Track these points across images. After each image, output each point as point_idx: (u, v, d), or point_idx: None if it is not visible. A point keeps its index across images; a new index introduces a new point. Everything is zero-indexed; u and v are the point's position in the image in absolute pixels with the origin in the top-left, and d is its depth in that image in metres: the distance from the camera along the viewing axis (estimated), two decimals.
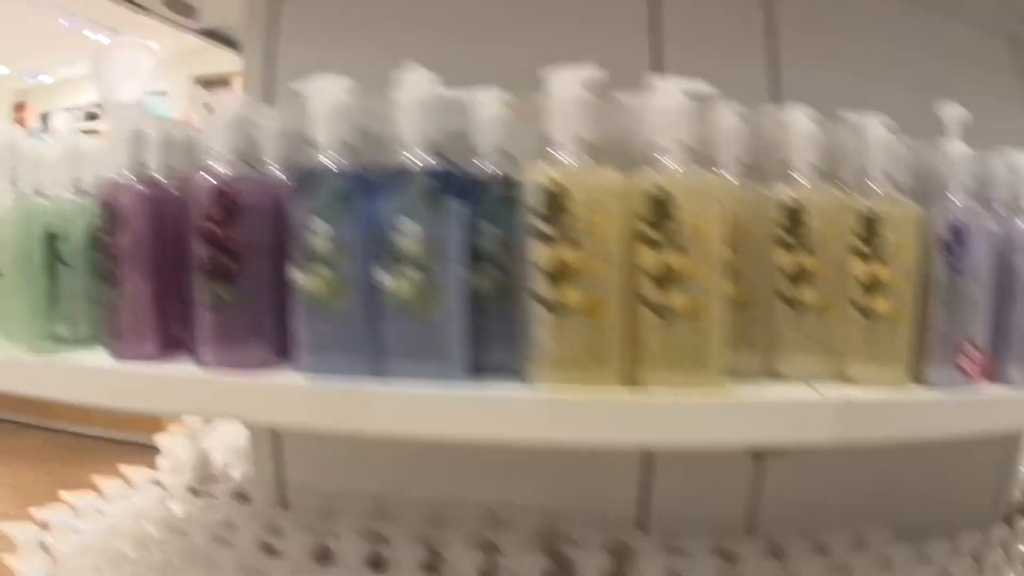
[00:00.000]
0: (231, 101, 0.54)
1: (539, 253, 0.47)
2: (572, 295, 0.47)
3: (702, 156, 0.49)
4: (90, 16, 3.44)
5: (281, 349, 0.53)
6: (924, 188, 0.50)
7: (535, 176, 0.47)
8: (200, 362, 0.53)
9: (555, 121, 0.48)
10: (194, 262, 0.52)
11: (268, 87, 0.87)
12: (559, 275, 0.47)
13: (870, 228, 0.48)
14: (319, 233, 0.49)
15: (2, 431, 2.97)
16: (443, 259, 0.48)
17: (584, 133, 0.47)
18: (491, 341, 0.50)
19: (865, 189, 0.50)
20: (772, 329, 0.51)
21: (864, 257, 0.48)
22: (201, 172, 0.53)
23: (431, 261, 0.48)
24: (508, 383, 0.49)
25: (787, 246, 0.50)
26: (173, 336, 0.57)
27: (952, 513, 0.80)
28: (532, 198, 0.47)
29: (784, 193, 0.50)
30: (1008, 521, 0.82)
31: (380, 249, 0.49)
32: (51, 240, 0.63)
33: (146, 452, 1.10)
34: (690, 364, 0.47)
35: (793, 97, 0.54)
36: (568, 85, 0.47)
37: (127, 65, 3.61)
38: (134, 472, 1.00)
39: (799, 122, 0.52)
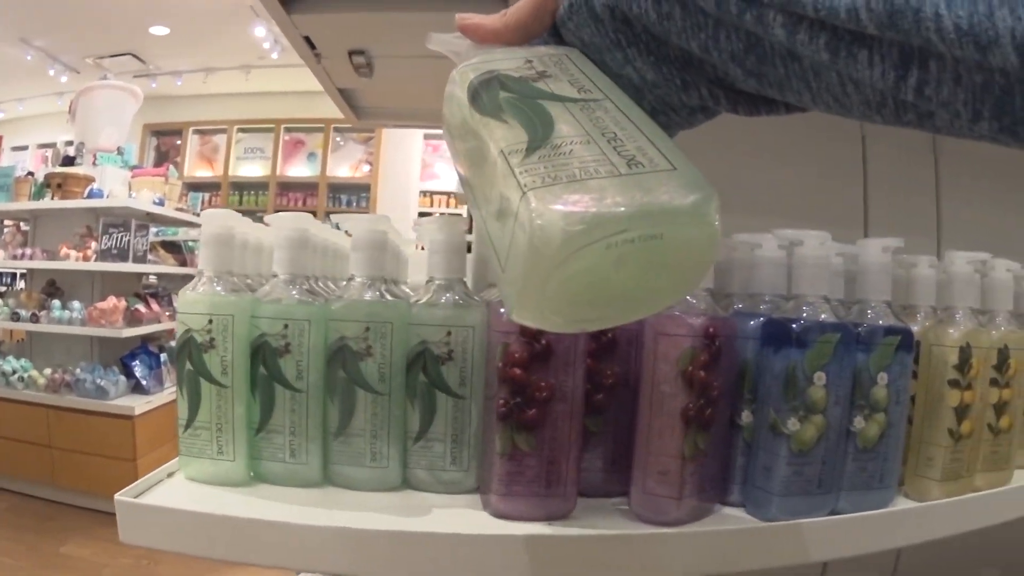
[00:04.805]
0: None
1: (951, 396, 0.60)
2: (967, 426, 0.61)
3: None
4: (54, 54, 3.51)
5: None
6: None
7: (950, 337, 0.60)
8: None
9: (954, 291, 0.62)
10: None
11: None
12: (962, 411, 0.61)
13: None
14: (816, 384, 0.54)
15: None
16: (899, 403, 0.58)
17: (973, 303, 0.62)
18: None
19: None
20: None
21: None
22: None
23: (891, 405, 0.58)
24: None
25: None
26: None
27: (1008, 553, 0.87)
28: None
29: None
30: None
31: (859, 397, 0.56)
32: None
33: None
34: (1004, 464, 0.66)
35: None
36: (961, 262, 0.62)
37: (111, 108, 3.24)
38: None
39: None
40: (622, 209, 0.28)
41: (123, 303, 3.07)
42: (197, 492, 0.56)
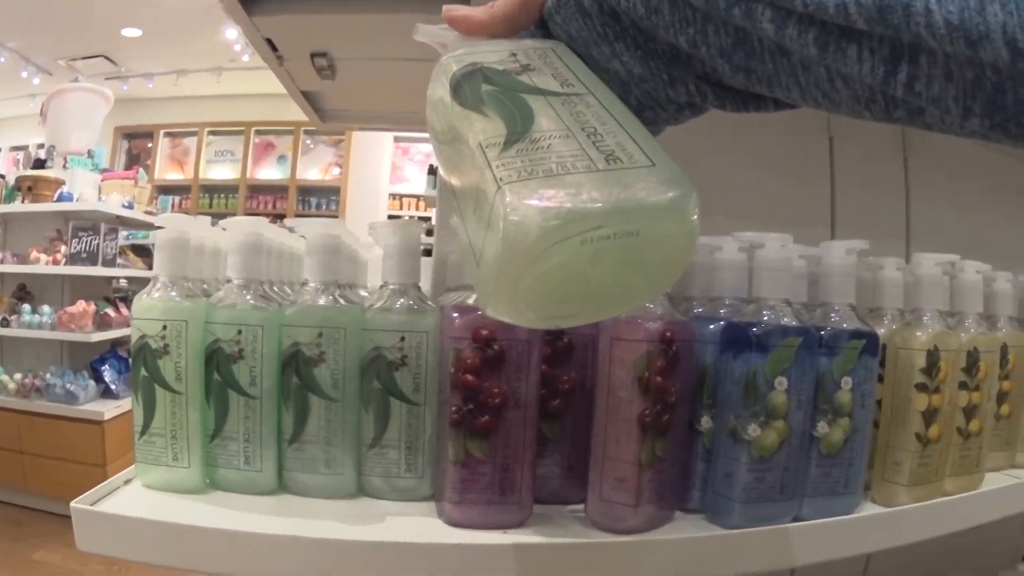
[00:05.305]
0: None
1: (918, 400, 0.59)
2: (935, 430, 0.60)
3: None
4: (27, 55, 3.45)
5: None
6: None
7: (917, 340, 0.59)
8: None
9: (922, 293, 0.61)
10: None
11: None
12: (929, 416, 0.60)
13: None
14: (777, 388, 0.53)
15: None
16: (864, 408, 0.57)
17: (941, 305, 0.61)
18: None
19: None
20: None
21: None
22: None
23: (856, 409, 0.57)
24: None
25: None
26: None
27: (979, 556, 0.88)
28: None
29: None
30: None
31: (822, 401, 0.55)
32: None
33: None
34: (973, 468, 0.65)
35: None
36: (929, 264, 0.61)
37: (82, 111, 3.19)
38: None
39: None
40: (598, 205, 0.28)
41: (92, 307, 3.04)
42: (152, 499, 0.56)
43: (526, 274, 0.29)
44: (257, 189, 5.38)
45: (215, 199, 5.38)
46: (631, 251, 0.29)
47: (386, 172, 5.32)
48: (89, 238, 3.00)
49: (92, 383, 3.09)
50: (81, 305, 3.01)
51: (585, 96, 0.34)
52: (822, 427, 0.56)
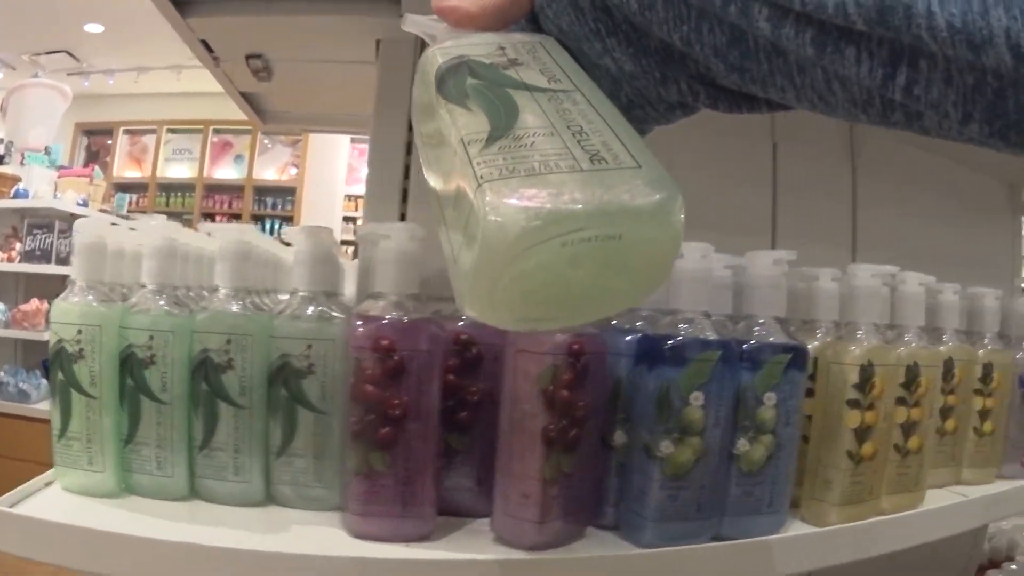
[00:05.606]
0: None
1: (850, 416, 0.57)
2: (868, 448, 0.58)
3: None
4: None
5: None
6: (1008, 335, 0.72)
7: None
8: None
9: (857, 306, 0.58)
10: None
11: None
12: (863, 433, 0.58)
13: (986, 373, 0.69)
14: (692, 404, 0.52)
15: None
16: (788, 425, 0.55)
17: (877, 318, 0.59)
18: None
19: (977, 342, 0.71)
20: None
21: (983, 394, 0.69)
22: None
23: (780, 426, 0.55)
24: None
25: (941, 390, 0.68)
26: None
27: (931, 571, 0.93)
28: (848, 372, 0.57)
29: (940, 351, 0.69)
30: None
31: (743, 418, 0.53)
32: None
33: None
34: (912, 486, 0.63)
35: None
36: (865, 275, 0.58)
37: (41, 107, 3.18)
38: None
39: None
40: (579, 206, 0.27)
41: (46, 305, 3.03)
42: (68, 503, 0.56)
43: (504, 275, 0.28)
44: (214, 188, 5.33)
45: (172, 198, 5.32)
46: (613, 254, 0.29)
47: (342, 173, 5.26)
48: (44, 236, 2.99)
49: (44, 382, 3.08)
50: (35, 303, 2.99)
51: (572, 93, 0.33)
52: (742, 444, 0.54)
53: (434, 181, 0.35)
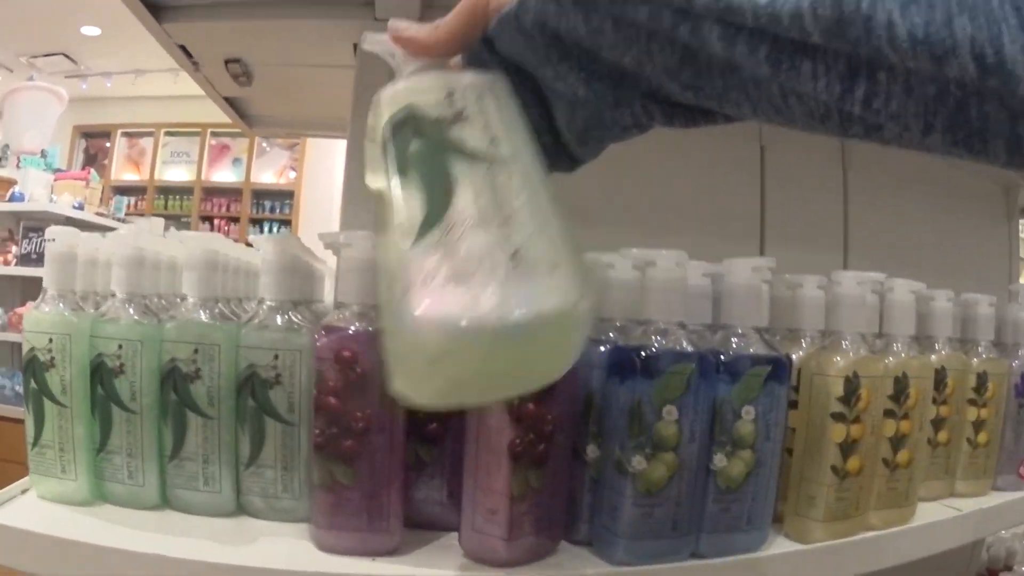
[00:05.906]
0: None
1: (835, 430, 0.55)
2: (854, 462, 0.56)
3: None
4: None
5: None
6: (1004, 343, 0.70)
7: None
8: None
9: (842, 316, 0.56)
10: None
11: None
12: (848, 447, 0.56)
13: (980, 382, 0.67)
14: (665, 418, 0.50)
15: None
16: (769, 439, 0.53)
17: (864, 328, 0.56)
18: None
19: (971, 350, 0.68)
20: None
21: (977, 404, 0.67)
22: None
23: (760, 441, 0.53)
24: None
25: (934, 401, 0.66)
26: None
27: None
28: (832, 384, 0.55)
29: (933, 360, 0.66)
30: None
31: (720, 432, 0.52)
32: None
33: None
34: (903, 501, 0.61)
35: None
36: (850, 283, 0.56)
37: (35, 110, 3.21)
38: None
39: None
40: (495, 317, 0.30)
41: None
42: (41, 510, 0.56)
43: (423, 370, 0.32)
44: (212, 191, 5.29)
45: (170, 201, 5.28)
46: (528, 350, 0.32)
47: (340, 177, 5.24)
48: (39, 239, 2.97)
49: None
50: (31, 307, 3.00)
51: (508, 164, 0.35)
52: (719, 460, 0.52)
53: (379, 239, 0.36)
